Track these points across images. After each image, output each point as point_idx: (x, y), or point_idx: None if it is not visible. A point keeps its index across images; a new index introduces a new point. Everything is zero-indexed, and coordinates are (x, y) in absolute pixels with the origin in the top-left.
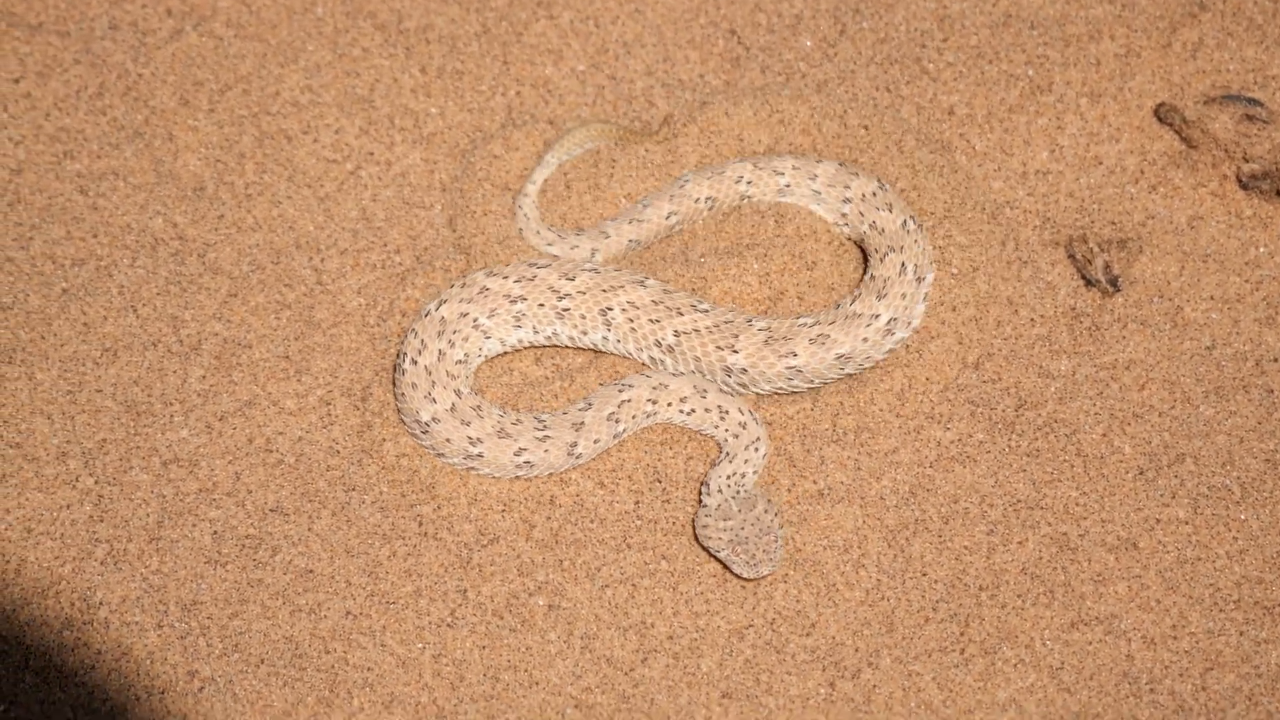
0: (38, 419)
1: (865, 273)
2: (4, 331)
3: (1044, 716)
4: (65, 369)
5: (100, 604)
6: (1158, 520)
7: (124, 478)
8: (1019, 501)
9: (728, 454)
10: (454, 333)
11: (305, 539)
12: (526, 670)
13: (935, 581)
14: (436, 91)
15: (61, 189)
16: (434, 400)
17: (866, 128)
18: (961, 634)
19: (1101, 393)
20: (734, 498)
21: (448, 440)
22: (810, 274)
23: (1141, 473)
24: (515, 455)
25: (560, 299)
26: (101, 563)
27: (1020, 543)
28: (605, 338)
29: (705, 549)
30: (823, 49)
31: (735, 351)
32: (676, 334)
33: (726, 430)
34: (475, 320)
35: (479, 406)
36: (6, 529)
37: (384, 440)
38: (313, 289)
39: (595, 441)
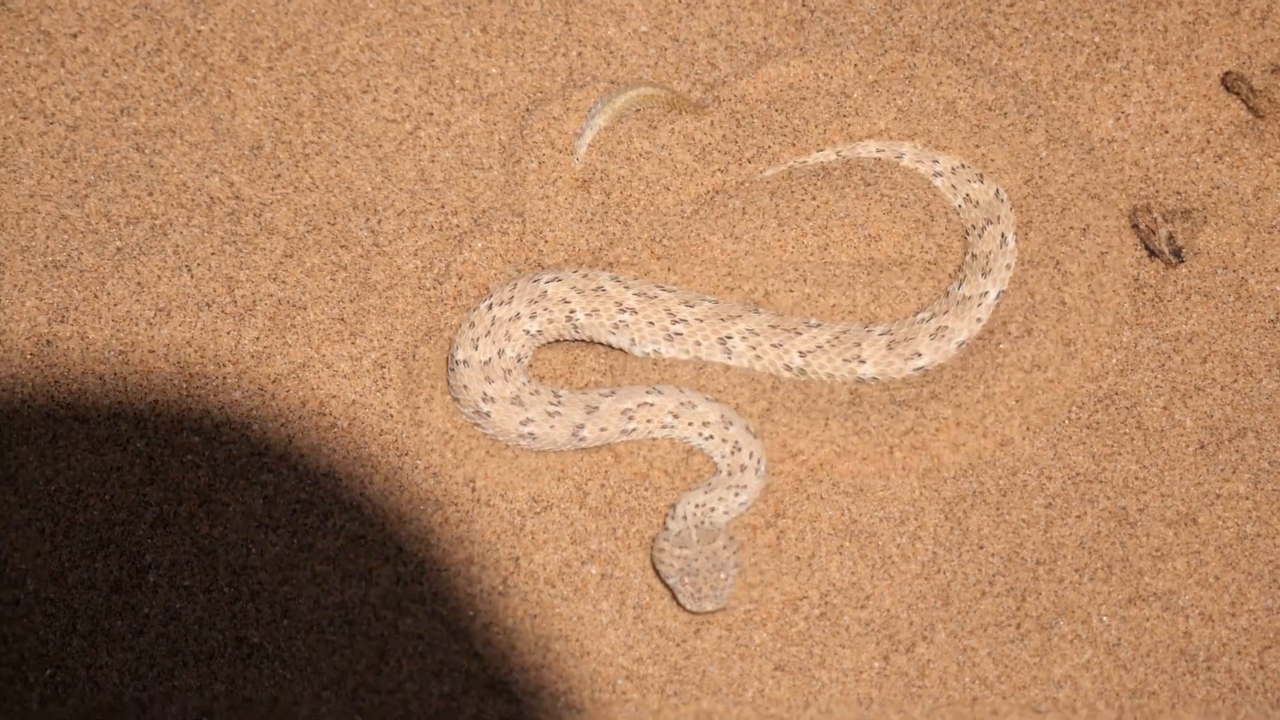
0: (90, 379)
1: (965, 251)
2: (57, 290)
3: (1100, 693)
4: (118, 329)
5: (149, 567)
6: (1218, 495)
7: (175, 440)
8: (1078, 475)
9: (708, 484)
10: (544, 309)
11: (357, 504)
12: (578, 640)
13: (992, 555)
14: (497, 51)
15: (118, 146)
16: (476, 347)
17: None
18: (1018, 609)
19: (1163, 365)
20: (696, 527)
21: (465, 387)
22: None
23: (1202, 447)
24: (520, 425)
25: (674, 323)
26: (151, 525)
27: (1078, 516)
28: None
29: (657, 573)
30: (887, 12)
31: (863, 362)
32: (801, 354)
33: (726, 463)
34: (572, 311)
35: (511, 371)
36: (57, 490)
37: (438, 405)
38: (369, 250)
39: (602, 430)
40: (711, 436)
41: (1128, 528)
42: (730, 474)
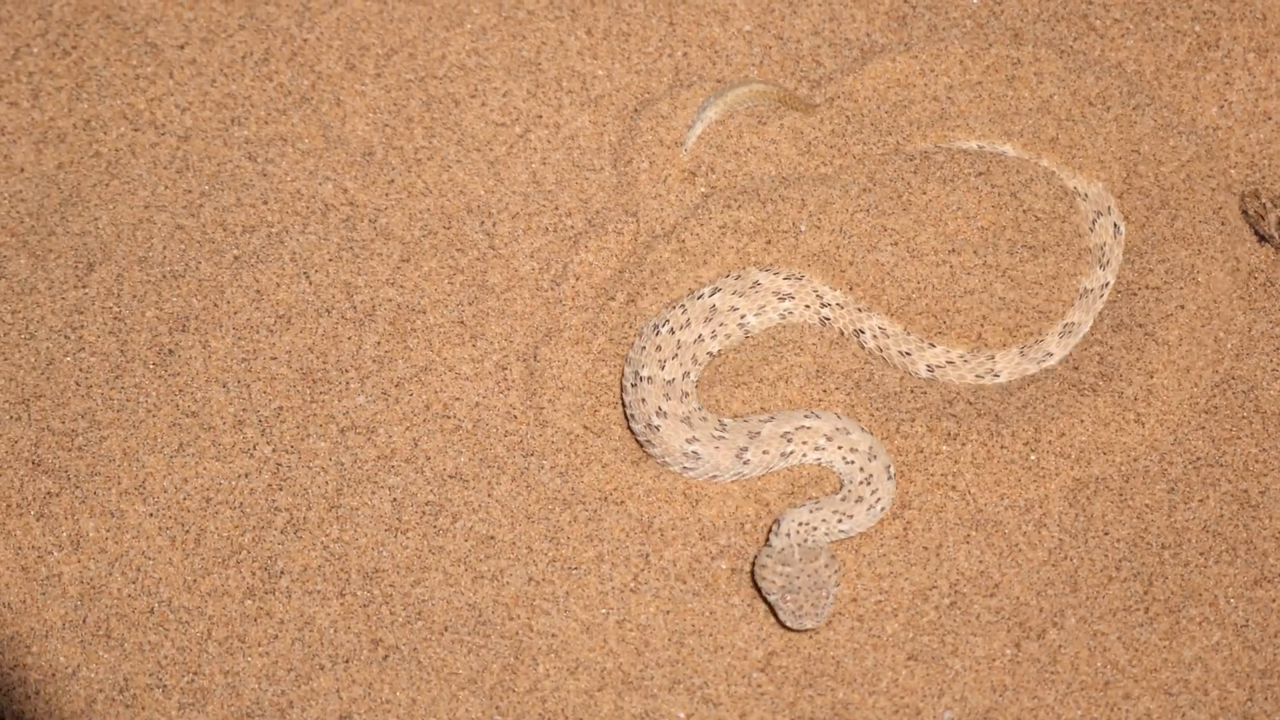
0: (213, 387)
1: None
2: (177, 299)
3: (1230, 674)
4: (239, 336)
5: (282, 573)
6: None
7: (301, 445)
8: (1198, 459)
9: (816, 503)
10: (720, 325)
11: (485, 505)
12: (711, 635)
13: (1117, 541)
14: (603, 53)
15: (230, 155)
16: (662, 367)
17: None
18: (1145, 593)
19: (1278, 349)
20: (800, 544)
21: (643, 401)
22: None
23: None
24: (686, 443)
25: (823, 306)
26: (282, 531)
27: (1201, 501)
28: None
29: (757, 589)
30: (989, 6)
31: (997, 375)
32: (930, 368)
33: (847, 490)
34: (743, 316)
35: (688, 395)
36: (185, 499)
37: (562, 406)
38: (485, 253)
39: (764, 453)
40: (853, 463)
41: (1250, 510)
42: (844, 500)
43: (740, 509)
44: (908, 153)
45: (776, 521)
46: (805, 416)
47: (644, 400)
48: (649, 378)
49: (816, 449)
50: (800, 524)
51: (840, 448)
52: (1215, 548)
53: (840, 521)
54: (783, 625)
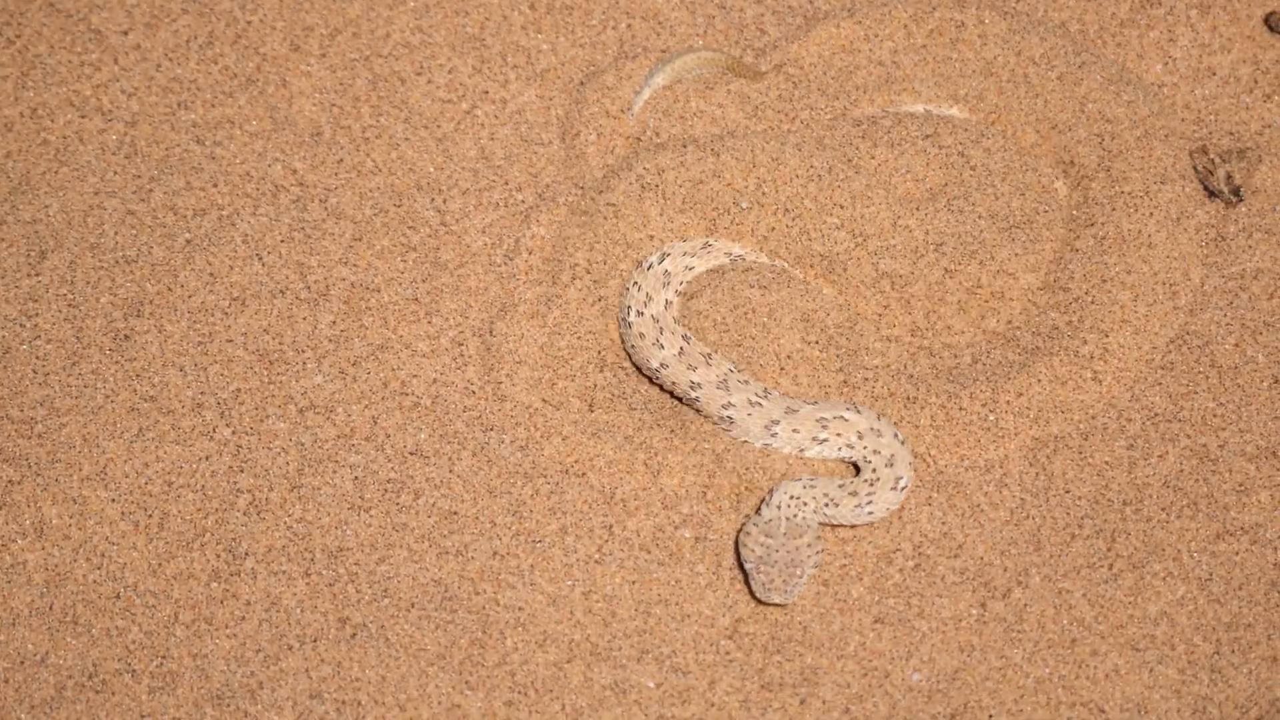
0: (170, 371)
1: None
2: (130, 285)
3: (1196, 628)
4: (194, 320)
5: (246, 554)
6: None
7: (261, 426)
8: (1156, 415)
9: (811, 480)
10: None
11: (447, 481)
12: (677, 604)
13: (1079, 498)
14: (547, 27)
15: (178, 140)
16: (662, 347)
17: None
18: (1109, 549)
19: (1231, 303)
20: (788, 518)
21: (675, 383)
22: None
23: (1276, 381)
24: (723, 407)
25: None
26: (245, 513)
27: (1160, 456)
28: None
29: (737, 555)
30: None
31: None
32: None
33: (853, 486)
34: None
35: (710, 355)
36: (147, 483)
37: (520, 380)
38: (437, 230)
39: (795, 431)
40: (870, 462)
41: (1210, 464)
42: (840, 488)
43: (702, 478)
44: (854, 117)
45: (770, 492)
46: (847, 408)
47: (675, 383)
48: (662, 364)
49: (849, 445)
50: (792, 497)
51: (868, 446)
52: (1176, 503)
53: (827, 506)
54: (752, 595)
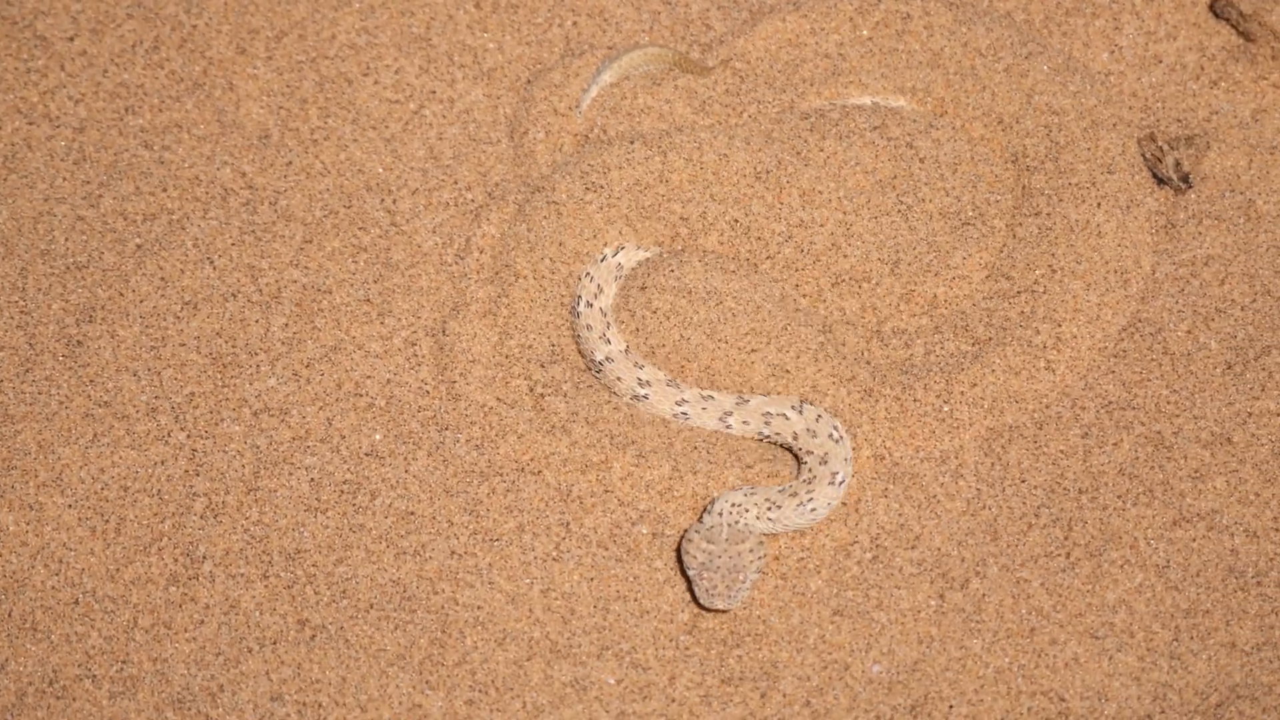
0: (124, 376)
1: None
2: (82, 290)
3: (1155, 615)
4: (147, 324)
5: (204, 558)
6: (1249, 414)
7: (216, 430)
8: (1110, 403)
9: (751, 488)
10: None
11: (403, 481)
12: (636, 600)
13: (1035, 487)
14: (493, 26)
15: (126, 144)
16: (608, 341)
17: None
18: (1065, 538)
19: (1183, 290)
20: (729, 524)
21: (619, 379)
22: None
23: (1229, 367)
24: (676, 405)
25: None
26: (201, 516)
27: (1115, 444)
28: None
29: (679, 562)
30: None
31: None
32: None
33: (792, 488)
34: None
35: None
36: (103, 488)
37: (474, 379)
38: (387, 230)
39: (745, 423)
40: (806, 462)
41: (1165, 451)
42: (781, 491)
43: (658, 474)
44: (802, 110)
45: (711, 501)
46: (792, 406)
47: (620, 379)
48: (608, 357)
49: (794, 436)
50: (734, 505)
51: (802, 447)
52: (1132, 490)
53: (769, 509)
54: (696, 602)
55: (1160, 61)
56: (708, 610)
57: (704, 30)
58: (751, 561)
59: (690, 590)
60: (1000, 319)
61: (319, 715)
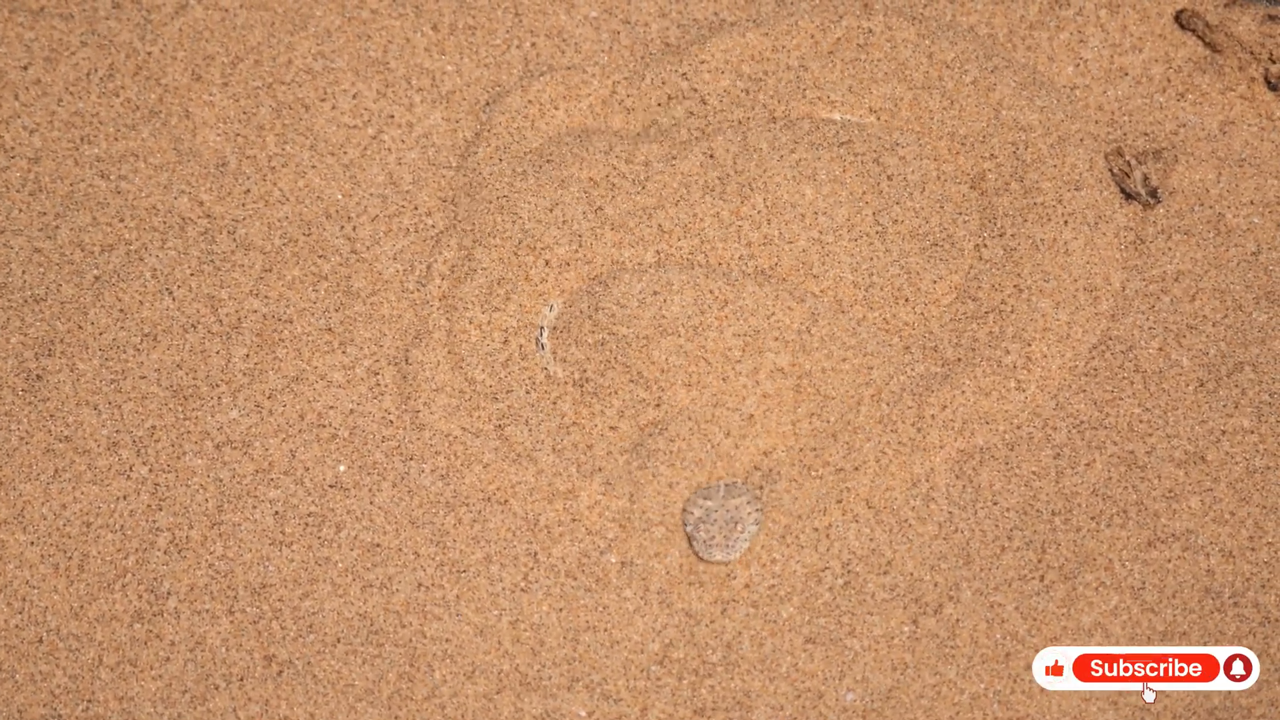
0: (84, 410)
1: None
2: (40, 324)
3: (1131, 638)
4: (106, 357)
5: (169, 594)
6: (1223, 431)
7: (178, 464)
8: (1082, 423)
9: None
10: None
11: (368, 513)
12: (606, 630)
13: (1007, 510)
14: (451, 49)
15: (82, 174)
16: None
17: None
18: (1039, 561)
19: (1153, 306)
20: (724, 483)
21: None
22: None
23: (1202, 384)
24: None
25: None
26: (165, 552)
27: (1088, 464)
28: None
29: (684, 525)
30: None
31: None
32: None
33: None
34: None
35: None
36: (65, 524)
37: (438, 408)
38: (348, 258)
39: None
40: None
41: (1138, 471)
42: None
43: (625, 503)
44: (765, 127)
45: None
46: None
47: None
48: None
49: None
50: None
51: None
52: (1106, 511)
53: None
54: (697, 557)
55: (1126, 74)
56: (708, 563)
57: (662, 49)
58: (749, 514)
59: (691, 550)
60: (969, 339)
61: None
